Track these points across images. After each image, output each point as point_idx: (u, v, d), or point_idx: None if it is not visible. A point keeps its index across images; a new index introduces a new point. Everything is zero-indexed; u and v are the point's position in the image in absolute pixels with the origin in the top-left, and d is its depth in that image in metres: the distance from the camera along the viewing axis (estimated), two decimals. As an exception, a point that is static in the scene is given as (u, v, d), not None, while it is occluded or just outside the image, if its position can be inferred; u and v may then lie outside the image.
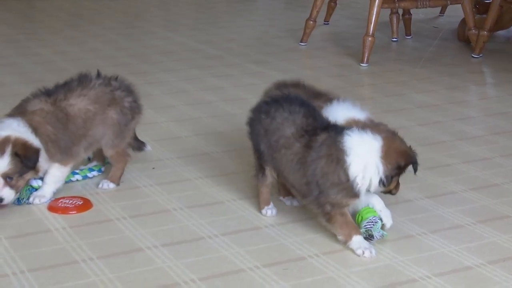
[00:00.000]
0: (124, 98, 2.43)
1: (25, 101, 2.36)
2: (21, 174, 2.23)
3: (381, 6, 4.09)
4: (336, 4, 5.16)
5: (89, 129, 2.37)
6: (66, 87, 2.38)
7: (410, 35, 4.85)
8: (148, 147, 2.66)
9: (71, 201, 2.30)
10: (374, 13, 4.07)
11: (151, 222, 2.21)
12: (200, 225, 2.19)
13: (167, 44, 4.58)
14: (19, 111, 2.32)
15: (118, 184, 2.45)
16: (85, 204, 2.30)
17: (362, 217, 2.11)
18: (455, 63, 4.21)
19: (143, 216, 2.25)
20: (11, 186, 2.22)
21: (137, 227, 2.17)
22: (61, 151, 2.32)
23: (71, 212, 2.26)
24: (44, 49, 4.35)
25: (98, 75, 2.43)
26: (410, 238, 2.14)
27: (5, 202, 2.23)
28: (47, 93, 2.36)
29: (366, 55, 4.09)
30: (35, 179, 2.35)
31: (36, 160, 2.24)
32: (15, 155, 2.20)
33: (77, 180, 2.47)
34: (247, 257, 2.01)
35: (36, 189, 2.34)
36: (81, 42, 4.59)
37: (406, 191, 2.44)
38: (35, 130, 2.28)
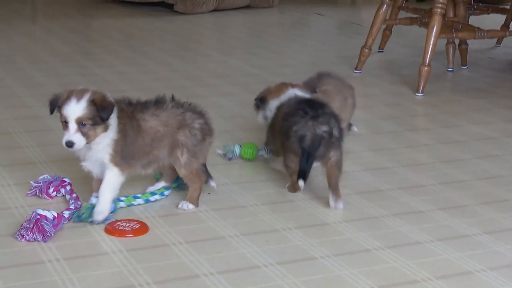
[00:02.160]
0: (194, 120, 2.47)
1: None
2: (93, 123, 2.29)
3: (438, 36, 4.07)
4: (391, 32, 5.14)
5: (154, 148, 2.41)
6: (143, 104, 2.45)
7: (466, 65, 4.81)
8: (213, 183, 2.59)
9: (128, 224, 2.32)
10: (431, 43, 4.05)
11: (207, 248, 2.22)
12: (256, 253, 2.19)
13: (222, 67, 4.61)
14: None
15: (197, 205, 2.48)
16: (142, 228, 2.31)
17: None
18: (512, 95, 4.18)
19: (199, 242, 2.26)
20: (83, 134, 2.28)
21: (193, 253, 2.18)
22: (122, 156, 2.36)
23: (127, 235, 2.27)
24: (101, 69, 4.41)
25: (172, 99, 2.48)
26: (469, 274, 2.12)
27: (75, 147, 2.29)
28: (129, 103, 2.43)
29: (422, 84, 4.07)
30: (95, 196, 2.37)
31: (110, 113, 2.30)
32: (92, 103, 2.28)
33: (139, 204, 2.49)
34: (303, 288, 2.01)
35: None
36: (137, 63, 4.64)
37: (464, 226, 2.42)
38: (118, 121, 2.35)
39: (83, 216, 2.33)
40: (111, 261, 2.11)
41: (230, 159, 2.93)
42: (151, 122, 2.41)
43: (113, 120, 2.34)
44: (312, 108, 2.56)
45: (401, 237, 2.33)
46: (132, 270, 2.07)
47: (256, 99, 2.94)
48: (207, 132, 2.50)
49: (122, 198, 2.46)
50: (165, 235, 2.29)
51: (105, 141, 2.34)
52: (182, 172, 2.46)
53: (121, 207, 2.44)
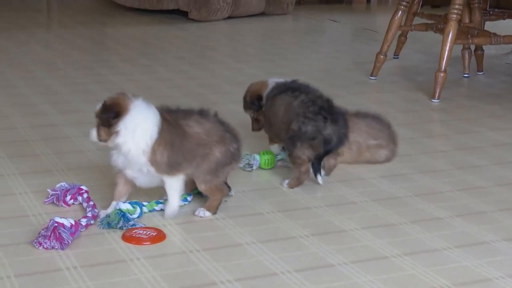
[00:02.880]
0: (232, 143, 2.48)
1: None
2: (102, 124, 2.37)
3: (454, 42, 4.06)
4: (406, 38, 5.13)
5: (198, 154, 2.43)
6: (185, 111, 2.47)
7: (482, 71, 4.79)
8: (232, 193, 2.63)
9: (145, 232, 2.32)
10: (447, 48, 4.04)
11: (224, 255, 2.21)
12: (273, 260, 2.19)
13: (236, 74, 4.61)
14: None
15: (215, 213, 2.48)
16: (159, 235, 2.31)
17: None
18: (529, 101, 4.16)
19: (216, 249, 2.25)
20: (97, 131, 2.38)
21: (210, 260, 2.17)
22: (170, 164, 2.38)
23: (144, 243, 2.27)
24: (117, 77, 4.42)
25: (215, 115, 2.51)
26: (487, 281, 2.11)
27: (90, 138, 2.41)
28: (169, 111, 2.45)
29: (438, 90, 4.06)
30: (123, 202, 2.40)
31: (110, 116, 2.34)
32: (104, 103, 2.39)
33: (161, 209, 2.50)
34: (321, 295, 2.00)
35: (124, 213, 2.36)
36: (152, 70, 4.66)
37: (483, 232, 2.40)
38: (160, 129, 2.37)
39: (113, 223, 2.34)
40: (129, 269, 2.11)
41: (250, 170, 2.93)
42: (196, 128, 2.42)
43: (124, 126, 2.34)
44: (327, 111, 2.73)
45: (419, 244, 2.32)
46: (149, 277, 2.07)
47: (251, 100, 2.94)
48: (236, 158, 2.51)
49: (145, 203, 2.47)
50: (182, 243, 2.29)
51: (135, 149, 2.35)
52: (202, 187, 2.46)
53: (145, 212, 2.46)
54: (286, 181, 2.77)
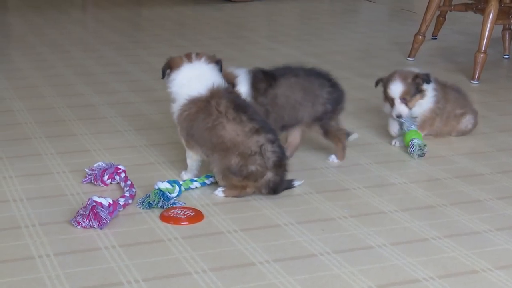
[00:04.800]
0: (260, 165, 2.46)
1: None
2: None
3: (494, 22, 3.99)
4: (445, 19, 5.06)
5: None
6: (244, 106, 2.49)
7: (522, 52, 4.71)
8: (297, 183, 2.59)
9: (183, 212, 2.31)
10: (488, 29, 3.97)
11: (262, 236, 2.20)
12: (312, 242, 2.17)
13: (272, 55, 4.58)
14: None
15: (227, 196, 2.47)
16: (197, 216, 2.30)
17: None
18: None
19: (254, 229, 2.24)
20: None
21: (248, 241, 2.16)
22: (186, 134, 2.52)
23: (182, 223, 2.26)
24: (153, 58, 4.41)
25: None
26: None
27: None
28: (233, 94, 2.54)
29: (477, 72, 4.00)
30: (162, 181, 2.39)
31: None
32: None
33: (196, 187, 2.51)
34: (360, 277, 1.97)
35: (164, 192, 2.35)
36: (187, 51, 4.62)
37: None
38: None
39: (153, 203, 2.34)
40: (167, 249, 2.11)
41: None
42: (233, 126, 2.44)
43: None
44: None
45: (459, 227, 2.29)
46: (188, 257, 2.06)
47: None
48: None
49: (181, 182, 2.47)
50: (220, 223, 2.28)
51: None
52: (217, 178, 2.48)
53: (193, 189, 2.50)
54: (332, 157, 2.79)
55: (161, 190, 2.36)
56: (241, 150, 2.38)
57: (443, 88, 3.04)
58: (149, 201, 2.34)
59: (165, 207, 2.33)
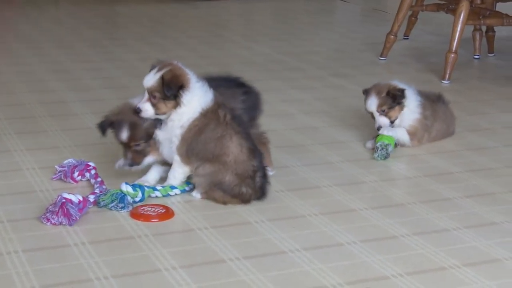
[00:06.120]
0: (250, 185, 2.43)
1: None
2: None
3: (465, 23, 4.02)
4: (416, 19, 5.09)
5: None
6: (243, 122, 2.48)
7: (493, 53, 4.75)
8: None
9: (153, 209, 2.31)
10: (458, 29, 4.00)
11: (233, 233, 2.20)
12: (282, 239, 2.17)
13: (249, 54, 4.59)
14: None
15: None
16: (167, 213, 2.30)
17: None
18: (541, 83, 4.12)
19: (225, 227, 2.24)
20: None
21: (219, 238, 2.16)
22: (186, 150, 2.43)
23: (153, 220, 2.26)
24: (129, 55, 4.40)
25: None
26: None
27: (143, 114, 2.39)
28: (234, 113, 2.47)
29: (448, 71, 4.03)
30: (127, 184, 2.36)
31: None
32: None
33: (176, 194, 2.47)
34: (330, 274, 1.98)
35: (124, 195, 2.33)
36: (165, 49, 4.63)
37: (493, 213, 2.39)
38: None
39: (103, 202, 2.32)
40: (137, 246, 2.11)
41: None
42: (234, 148, 2.40)
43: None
44: None
45: (428, 224, 2.30)
46: (158, 254, 2.06)
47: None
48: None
49: (158, 188, 2.43)
50: (191, 220, 2.28)
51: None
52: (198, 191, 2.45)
53: (157, 197, 2.43)
54: None
55: (121, 192, 2.34)
56: (240, 171, 2.37)
57: (432, 105, 3.04)
58: (102, 200, 2.32)
59: (114, 210, 2.30)
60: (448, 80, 4.03)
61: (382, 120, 2.92)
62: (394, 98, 2.90)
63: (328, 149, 2.92)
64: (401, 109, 2.92)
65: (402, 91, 2.92)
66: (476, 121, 3.39)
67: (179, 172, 2.43)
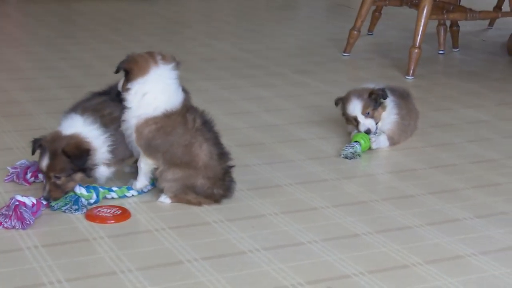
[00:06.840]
0: (219, 187, 2.39)
1: None
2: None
3: (429, 18, 4.00)
4: (380, 14, 5.07)
5: None
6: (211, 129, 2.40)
7: (457, 48, 4.74)
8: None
9: (109, 210, 2.25)
10: (422, 24, 3.98)
11: (191, 234, 2.15)
12: (241, 239, 2.12)
13: (209, 51, 4.53)
14: None
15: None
16: (123, 214, 2.24)
17: None
18: (505, 78, 4.11)
19: (182, 227, 2.19)
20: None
21: (177, 239, 2.11)
22: (148, 145, 2.34)
23: (109, 222, 2.20)
24: (84, 53, 4.32)
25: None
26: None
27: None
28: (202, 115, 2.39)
29: (412, 67, 4.00)
30: (80, 186, 2.30)
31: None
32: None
33: (132, 195, 2.40)
34: (290, 273, 1.94)
35: (78, 197, 2.27)
36: (122, 47, 4.55)
37: (455, 210, 2.36)
38: None
39: (57, 206, 2.25)
40: (92, 248, 2.04)
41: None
42: (203, 155, 2.32)
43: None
44: None
45: (390, 222, 2.27)
46: (113, 256, 2.00)
47: None
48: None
49: (114, 189, 2.36)
50: (148, 221, 2.22)
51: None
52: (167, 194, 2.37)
53: (113, 198, 2.36)
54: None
55: (75, 195, 2.27)
56: (211, 175, 2.31)
57: (406, 103, 3.01)
58: (56, 203, 2.25)
59: (68, 212, 2.23)
60: (412, 76, 4.01)
61: (370, 123, 2.86)
62: (377, 99, 2.85)
63: (289, 147, 2.87)
64: (383, 109, 2.88)
65: (383, 90, 2.87)
66: (440, 117, 3.37)
67: (143, 163, 2.34)
